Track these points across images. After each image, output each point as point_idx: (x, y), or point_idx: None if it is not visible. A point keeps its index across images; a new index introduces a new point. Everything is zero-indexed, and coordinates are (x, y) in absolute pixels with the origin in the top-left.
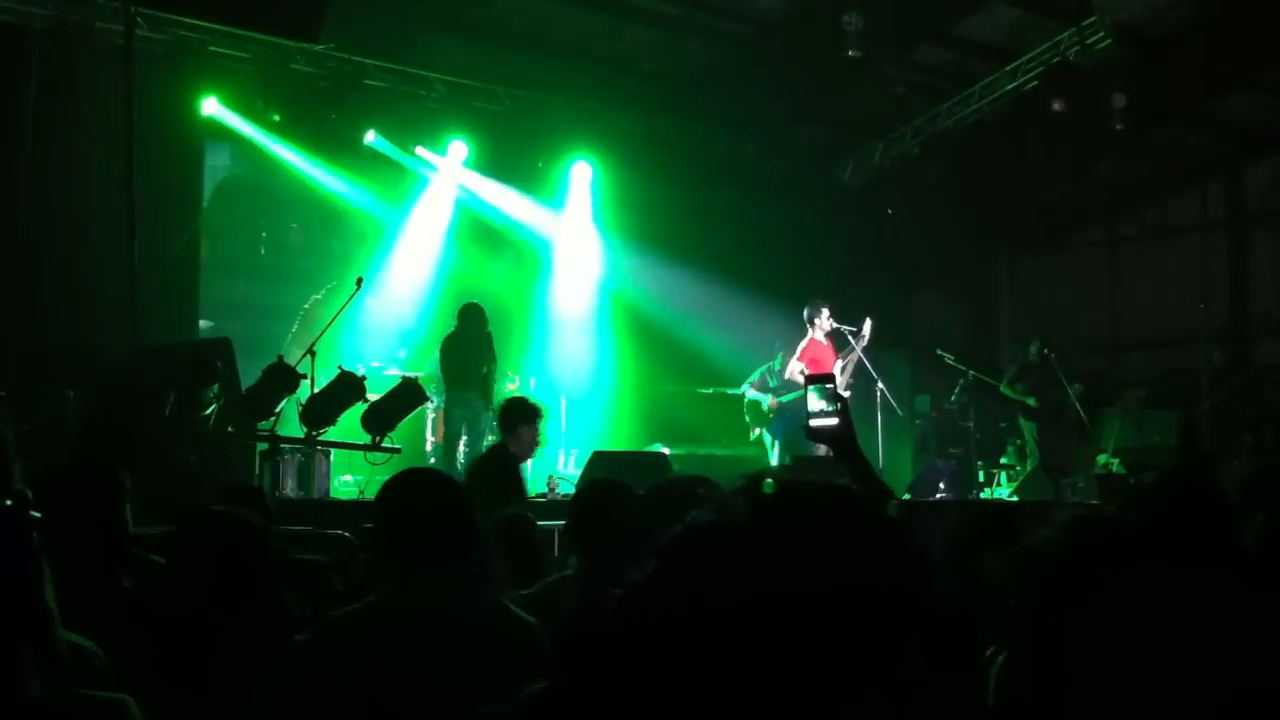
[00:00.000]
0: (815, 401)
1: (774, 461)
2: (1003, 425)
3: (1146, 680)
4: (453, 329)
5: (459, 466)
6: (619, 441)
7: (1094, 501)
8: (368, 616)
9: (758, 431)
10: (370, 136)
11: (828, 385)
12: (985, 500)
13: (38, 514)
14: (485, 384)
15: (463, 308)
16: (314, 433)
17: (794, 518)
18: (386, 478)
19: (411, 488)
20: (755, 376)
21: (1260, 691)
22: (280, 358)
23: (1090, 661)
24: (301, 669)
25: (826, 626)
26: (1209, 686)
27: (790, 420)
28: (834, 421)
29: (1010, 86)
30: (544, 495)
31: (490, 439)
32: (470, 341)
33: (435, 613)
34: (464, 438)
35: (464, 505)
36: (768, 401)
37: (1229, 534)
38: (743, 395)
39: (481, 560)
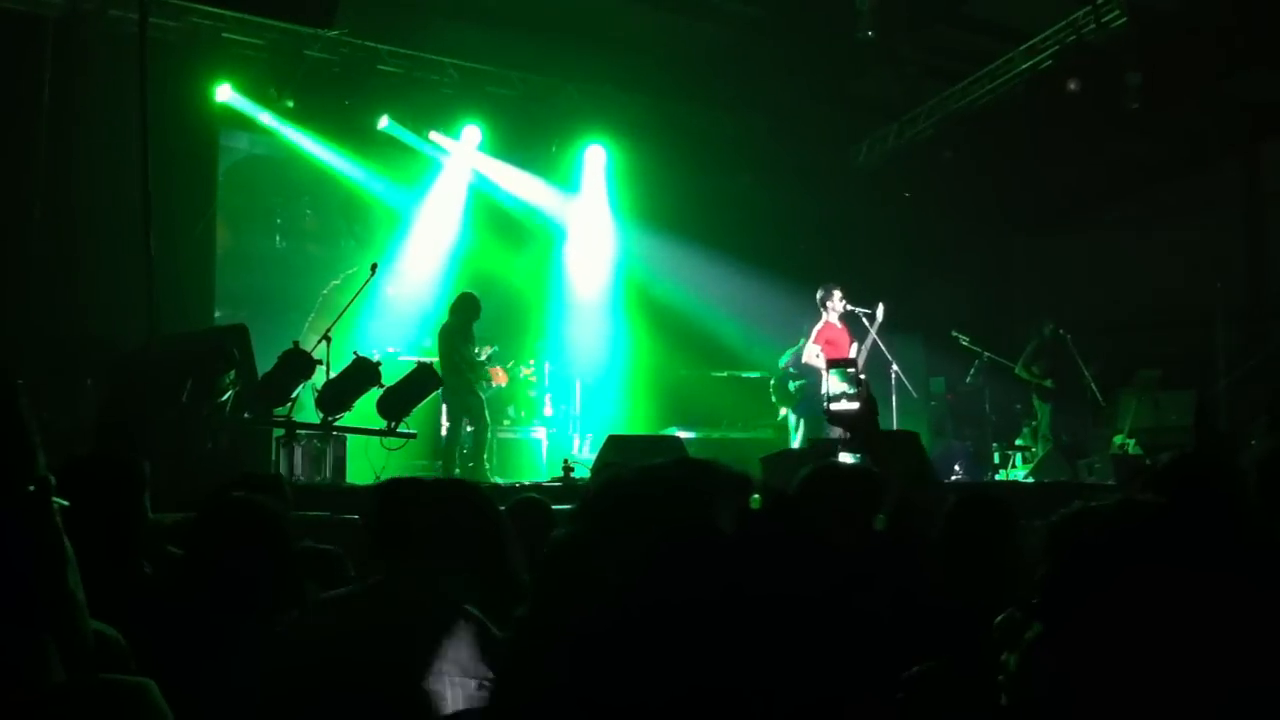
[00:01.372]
0: (836, 385)
1: (795, 444)
2: (1018, 407)
3: (1150, 676)
4: (451, 320)
5: (461, 452)
6: (634, 425)
7: (1109, 482)
8: (344, 603)
9: (784, 412)
10: (384, 122)
11: (849, 369)
12: (976, 484)
13: (64, 502)
14: (474, 371)
15: (459, 298)
16: (330, 418)
17: (790, 525)
18: (403, 463)
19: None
20: (790, 356)
21: (1262, 690)
22: (296, 344)
23: (1095, 655)
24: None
25: (823, 629)
26: (1211, 684)
27: (816, 403)
28: (854, 406)
29: (1024, 66)
30: (559, 479)
31: (508, 422)
32: (469, 331)
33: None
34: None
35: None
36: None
37: (1243, 526)
38: (783, 371)
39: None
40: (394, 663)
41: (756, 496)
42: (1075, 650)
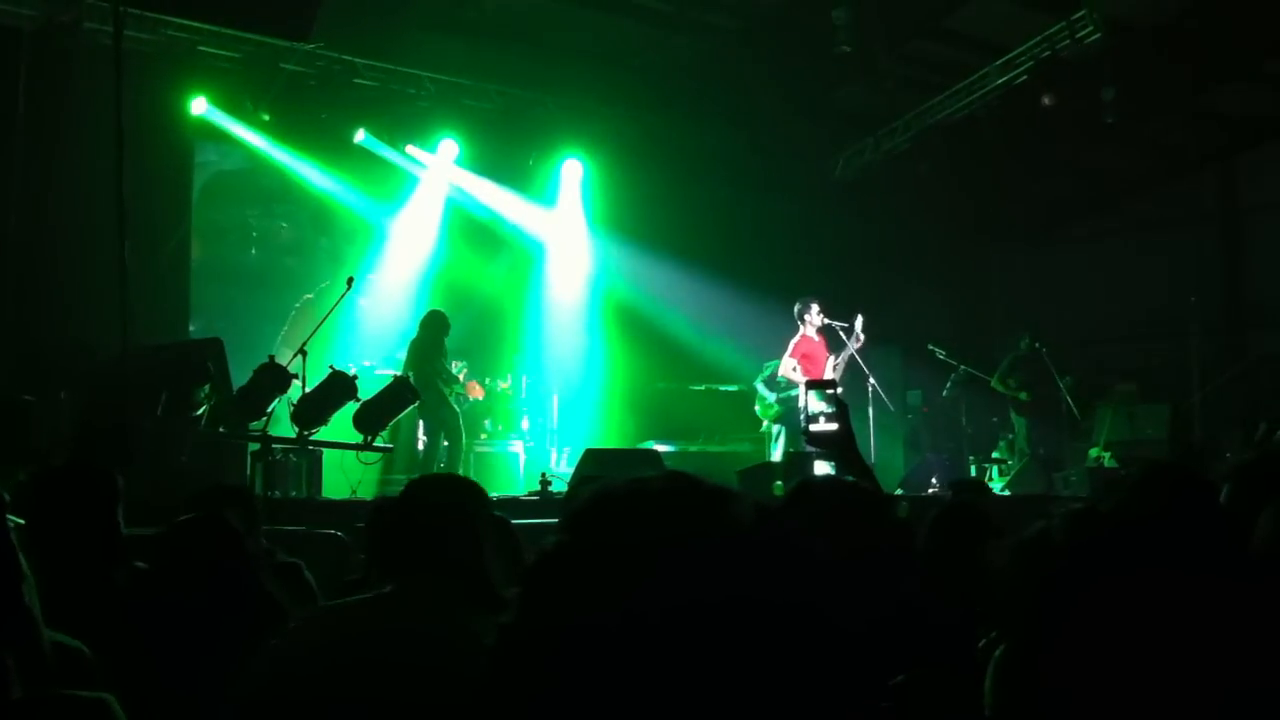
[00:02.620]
0: (816, 405)
1: (776, 455)
2: (995, 419)
3: (1145, 680)
4: (421, 335)
5: (439, 466)
6: (611, 439)
7: (1085, 495)
8: (344, 614)
9: (765, 424)
10: (360, 135)
11: (829, 390)
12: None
13: (19, 519)
14: (449, 385)
15: (429, 315)
16: (306, 433)
17: (801, 525)
18: (379, 477)
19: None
20: (767, 373)
21: (1257, 692)
22: (271, 358)
23: (1090, 660)
24: (272, 663)
25: (816, 638)
26: (1206, 687)
27: (796, 416)
28: (834, 427)
29: (1001, 81)
30: (537, 493)
31: (485, 436)
32: (441, 346)
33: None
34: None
35: (466, 515)
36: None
37: (1222, 530)
38: (767, 383)
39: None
40: (401, 673)
41: (779, 483)
42: (1065, 660)
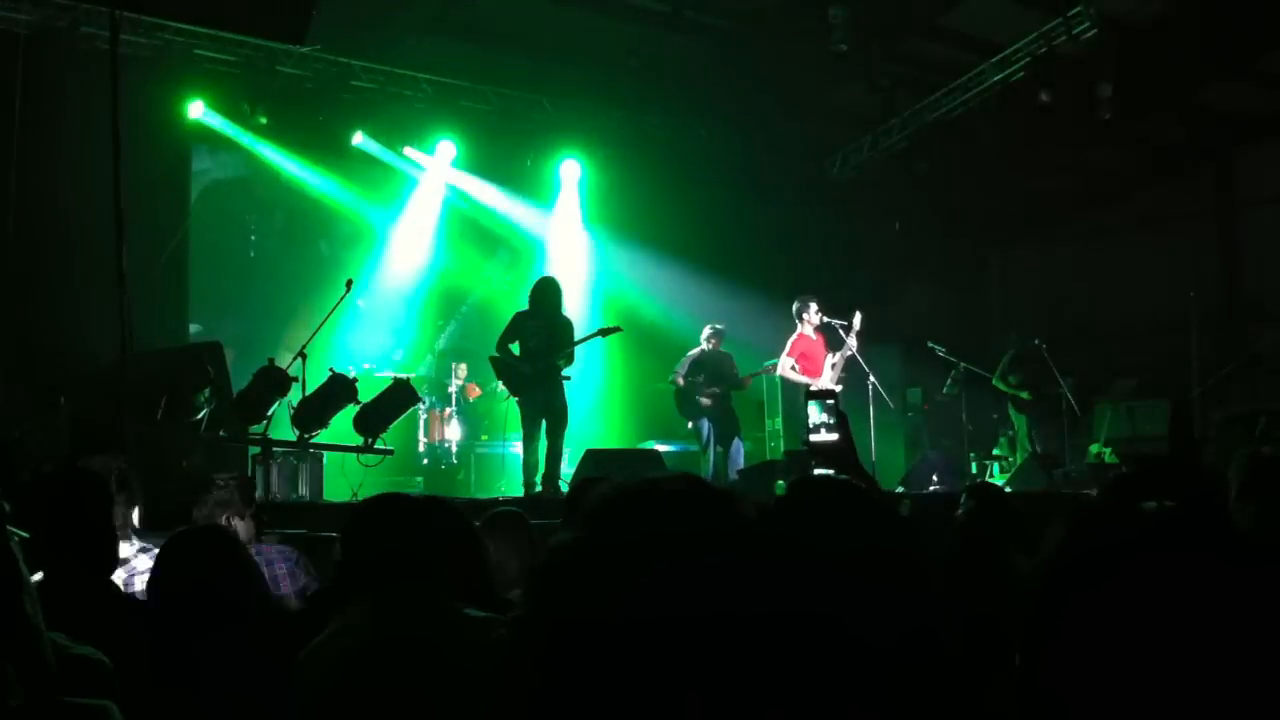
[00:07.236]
0: (816, 415)
1: (710, 455)
2: (995, 416)
3: (1148, 670)
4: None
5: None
6: (611, 439)
7: (1087, 492)
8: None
9: (691, 424)
10: (358, 138)
11: (829, 400)
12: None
13: (21, 531)
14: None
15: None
16: (306, 436)
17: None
18: (381, 480)
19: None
20: (680, 366)
21: (1264, 678)
22: (271, 360)
23: (1091, 653)
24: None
25: (831, 638)
26: (1209, 682)
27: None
28: (835, 437)
29: (997, 78)
30: (537, 494)
31: (485, 437)
32: (516, 323)
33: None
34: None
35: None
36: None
37: (1220, 524)
38: (689, 382)
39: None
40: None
41: (781, 482)
42: (1065, 657)
